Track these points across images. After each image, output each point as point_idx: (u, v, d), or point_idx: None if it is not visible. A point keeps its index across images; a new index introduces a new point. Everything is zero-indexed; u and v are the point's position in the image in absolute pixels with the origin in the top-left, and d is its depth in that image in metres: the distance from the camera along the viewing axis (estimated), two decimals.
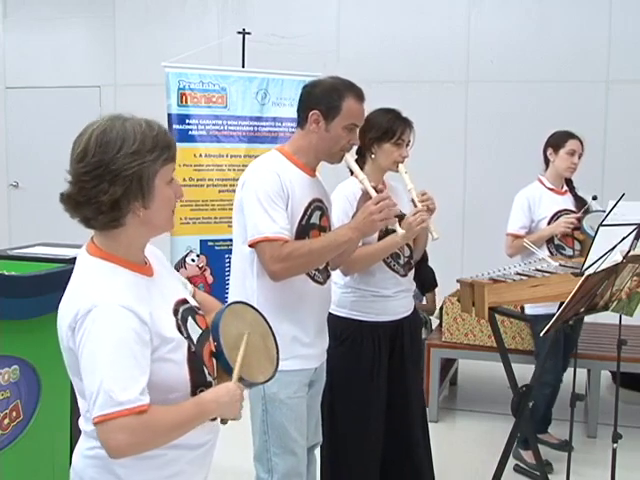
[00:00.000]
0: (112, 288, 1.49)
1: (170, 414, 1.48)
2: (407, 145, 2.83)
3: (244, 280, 2.36)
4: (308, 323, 2.38)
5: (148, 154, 1.51)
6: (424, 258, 3.16)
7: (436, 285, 4.73)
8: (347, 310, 2.83)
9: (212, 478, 1.76)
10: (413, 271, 2.98)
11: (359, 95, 2.38)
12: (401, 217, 2.76)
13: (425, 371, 4.31)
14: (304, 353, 2.37)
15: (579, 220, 3.66)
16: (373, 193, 2.33)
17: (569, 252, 3.69)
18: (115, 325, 1.44)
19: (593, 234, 3.51)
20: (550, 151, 3.79)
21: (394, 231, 2.72)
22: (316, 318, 2.43)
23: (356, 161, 2.85)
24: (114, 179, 1.48)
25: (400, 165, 2.78)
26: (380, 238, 2.76)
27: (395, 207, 2.30)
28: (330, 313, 2.78)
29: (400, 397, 2.90)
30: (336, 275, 2.77)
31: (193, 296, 1.83)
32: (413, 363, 3.00)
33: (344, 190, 2.74)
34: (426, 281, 4.60)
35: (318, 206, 2.40)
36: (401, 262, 2.87)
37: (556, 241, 3.71)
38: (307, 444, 2.48)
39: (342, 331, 2.77)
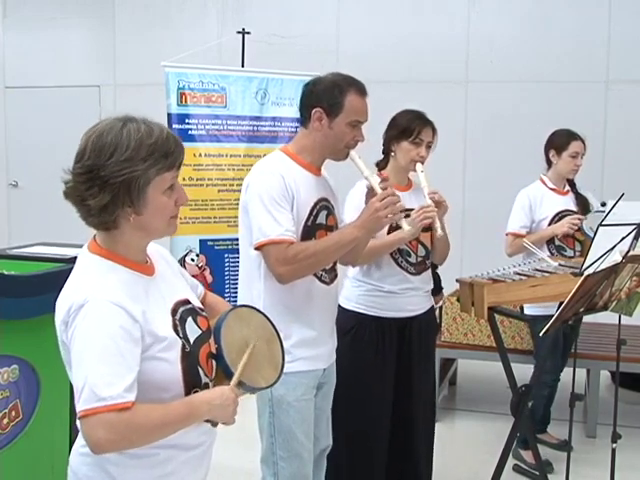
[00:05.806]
0: (105, 285, 1.49)
1: (156, 413, 1.47)
2: (428, 147, 2.84)
3: (251, 282, 2.34)
4: (315, 324, 2.36)
5: (140, 162, 1.49)
6: (434, 265, 3.14)
7: (440, 290, 4.69)
8: (353, 303, 2.86)
9: (210, 476, 1.75)
10: (429, 272, 2.97)
11: (361, 90, 2.34)
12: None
13: None
14: (312, 354, 2.35)
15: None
16: (378, 190, 2.28)
17: (570, 253, 3.66)
18: (104, 321, 1.44)
19: (592, 235, 3.52)
20: (552, 153, 3.73)
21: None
22: (323, 319, 2.40)
23: (381, 160, 2.88)
24: (103, 185, 1.48)
25: (418, 164, 2.80)
26: (389, 232, 2.76)
27: (400, 203, 2.27)
28: (339, 306, 2.78)
29: (405, 398, 2.89)
30: (349, 269, 2.81)
31: (202, 298, 1.83)
32: (421, 363, 2.95)
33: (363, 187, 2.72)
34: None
35: (324, 205, 2.37)
36: (412, 260, 2.86)
37: (557, 242, 3.67)
38: (318, 447, 2.47)
39: (346, 323, 2.78)
